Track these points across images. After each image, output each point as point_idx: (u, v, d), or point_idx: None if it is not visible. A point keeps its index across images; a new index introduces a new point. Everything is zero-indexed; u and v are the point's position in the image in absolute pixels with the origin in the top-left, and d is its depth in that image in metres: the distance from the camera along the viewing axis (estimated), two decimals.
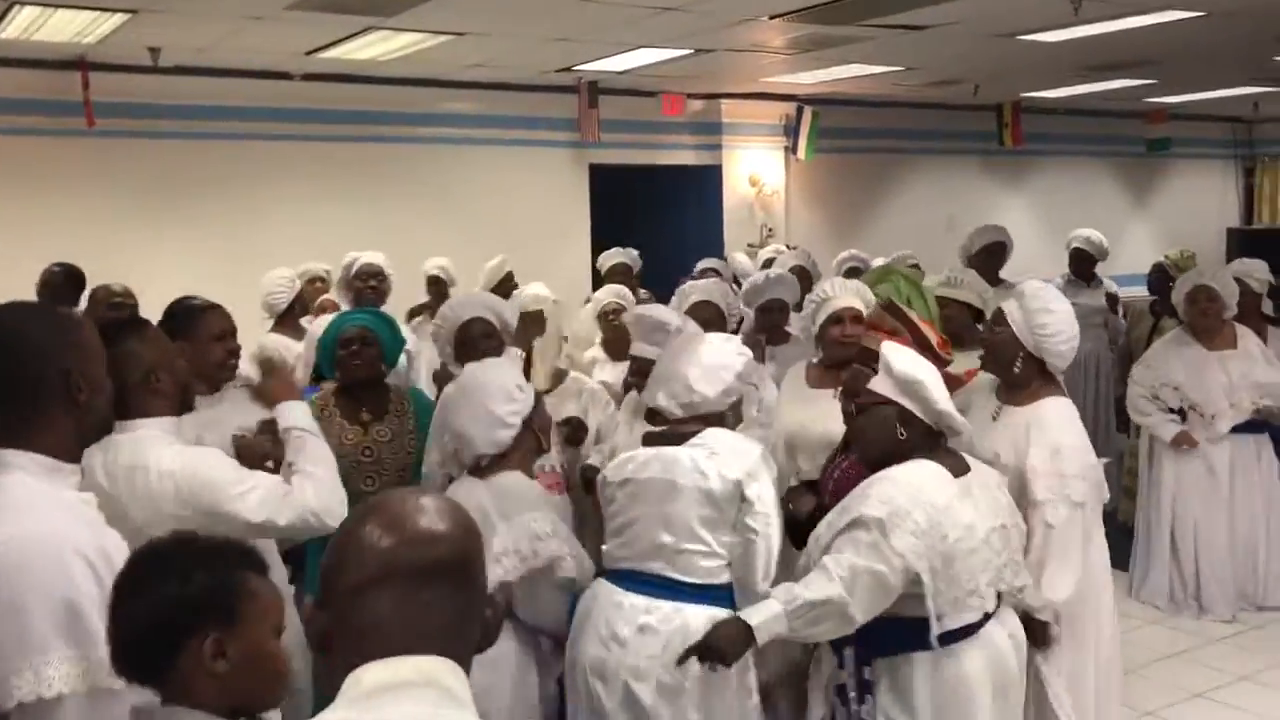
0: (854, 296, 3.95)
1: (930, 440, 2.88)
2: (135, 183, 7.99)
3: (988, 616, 2.86)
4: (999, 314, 3.61)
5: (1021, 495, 3.34)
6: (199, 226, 8.14)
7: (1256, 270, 6.13)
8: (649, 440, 3.10)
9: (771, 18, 6.76)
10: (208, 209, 8.18)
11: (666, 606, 2.87)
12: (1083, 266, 7.52)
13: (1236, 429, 5.39)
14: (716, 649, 2.67)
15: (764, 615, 2.69)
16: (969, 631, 2.82)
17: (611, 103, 9.55)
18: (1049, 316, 3.49)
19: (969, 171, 12.17)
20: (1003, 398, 3.63)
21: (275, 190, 8.45)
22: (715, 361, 3.10)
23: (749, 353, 3.22)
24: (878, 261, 6.82)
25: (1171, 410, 5.49)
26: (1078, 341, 3.58)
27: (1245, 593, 5.50)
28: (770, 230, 10.65)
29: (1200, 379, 5.39)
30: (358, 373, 3.91)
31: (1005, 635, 2.92)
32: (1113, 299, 7.55)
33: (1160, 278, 6.89)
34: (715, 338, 3.29)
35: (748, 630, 2.66)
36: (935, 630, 2.74)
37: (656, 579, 2.92)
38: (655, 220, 10.59)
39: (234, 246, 7.99)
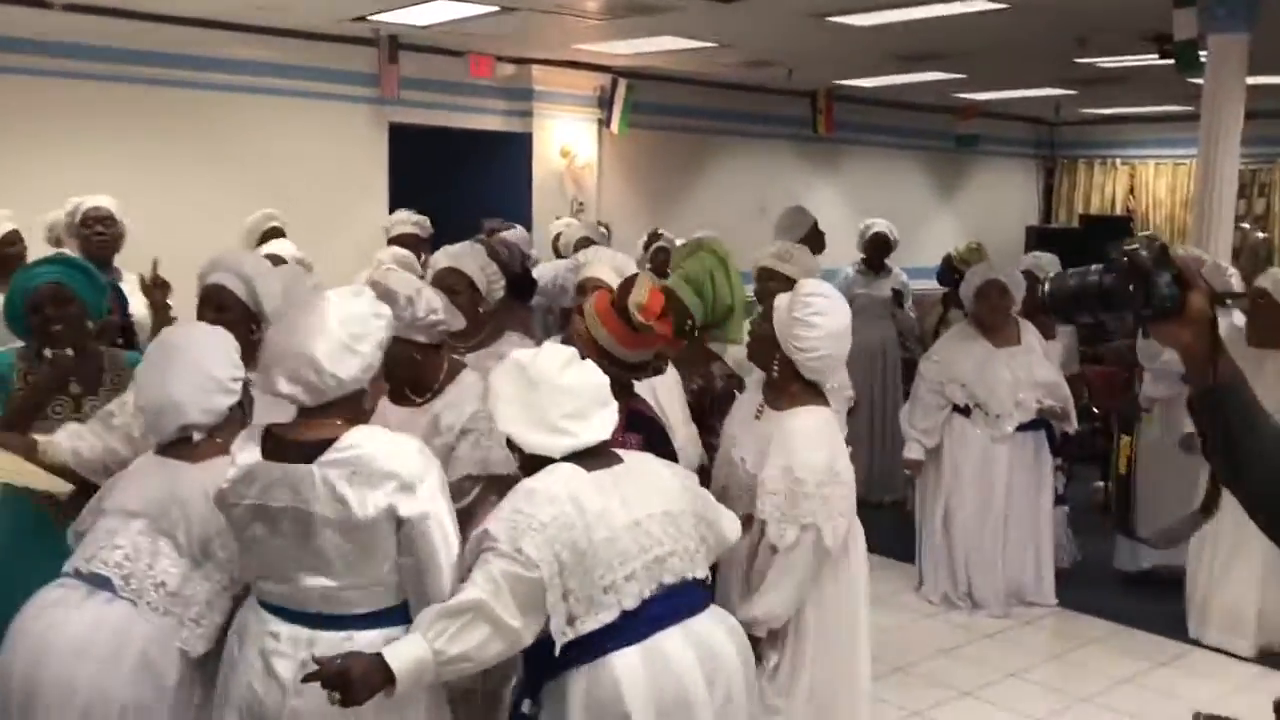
0: (606, 268, 3.68)
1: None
2: None
3: (655, 623, 2.47)
4: (770, 304, 3.37)
5: (754, 505, 3.18)
6: None
7: (1047, 263, 6.17)
8: (269, 452, 2.48)
9: None
10: None
11: (334, 636, 2.42)
12: (877, 254, 7.49)
13: (1021, 428, 5.36)
14: (344, 682, 2.21)
15: (403, 648, 2.28)
16: (616, 633, 2.44)
17: (415, 60, 9.05)
18: (807, 329, 3.21)
19: (782, 156, 12.13)
20: (766, 396, 3.39)
21: (29, 131, 7.63)
22: (349, 330, 2.47)
23: (386, 312, 2.60)
24: (680, 242, 6.60)
25: (957, 407, 5.43)
26: (837, 359, 3.33)
27: (1016, 589, 5.49)
28: (581, 204, 10.33)
29: (985, 376, 5.34)
30: (60, 340, 3.32)
31: (687, 644, 2.50)
32: (899, 292, 7.50)
33: (947, 270, 6.89)
34: (341, 294, 2.56)
35: (385, 669, 2.24)
36: (564, 635, 2.38)
37: (317, 616, 2.46)
38: (459, 186, 10.12)
39: None
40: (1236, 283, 5.87)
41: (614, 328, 3.02)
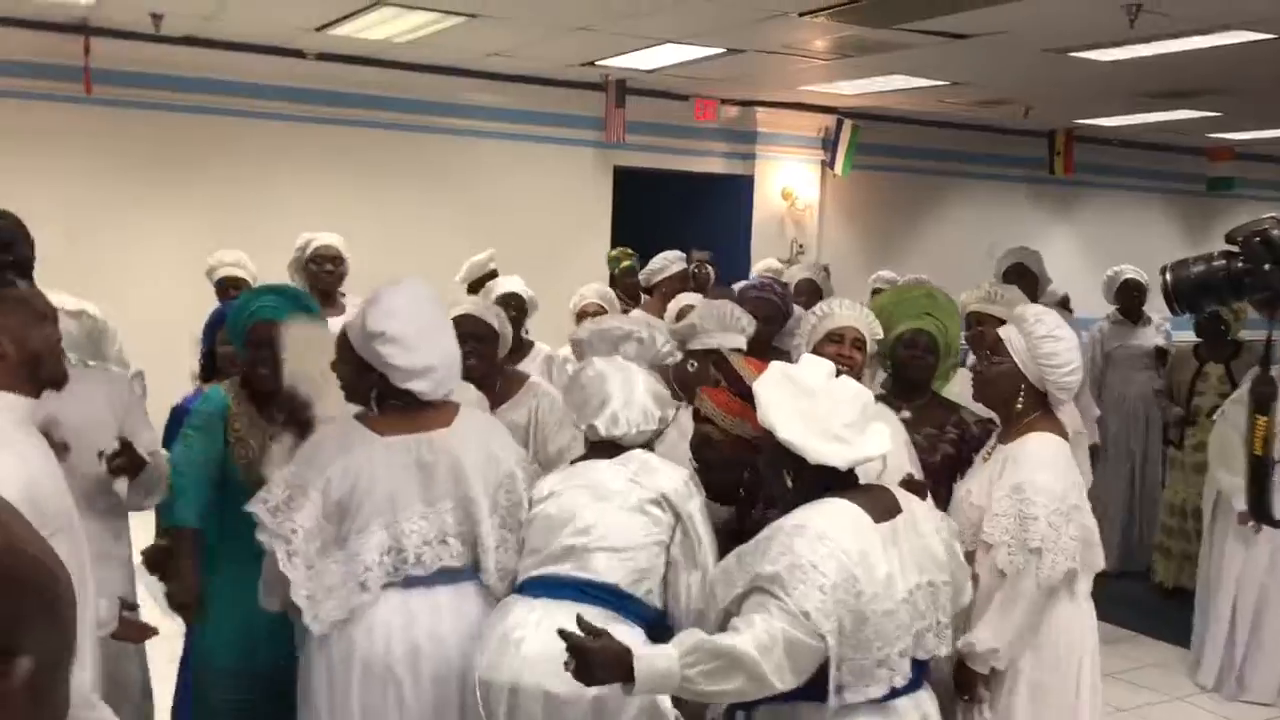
0: (859, 319, 3.51)
1: (833, 477, 2.35)
2: (131, 153, 7.69)
3: (896, 692, 2.32)
4: (996, 342, 3.14)
5: (977, 536, 2.98)
6: (193, 203, 7.83)
7: None
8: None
9: (801, 14, 6.31)
10: (204, 185, 7.88)
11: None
12: (1131, 302, 6.94)
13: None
14: (586, 660, 2.20)
15: (656, 660, 2.20)
16: (872, 704, 2.30)
17: (640, 104, 9.14)
18: (1055, 344, 3.03)
19: (1015, 199, 11.63)
20: (1001, 437, 3.16)
21: (277, 172, 8.11)
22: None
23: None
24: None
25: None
26: (1083, 372, 3.14)
27: None
28: (801, 246, 10.18)
29: None
30: (266, 383, 3.24)
31: (917, 716, 2.38)
32: (1164, 350, 6.86)
33: (1211, 320, 6.32)
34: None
35: (628, 669, 2.17)
36: (834, 703, 2.24)
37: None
38: (680, 228, 10.13)
39: (228, 226, 7.62)
40: None
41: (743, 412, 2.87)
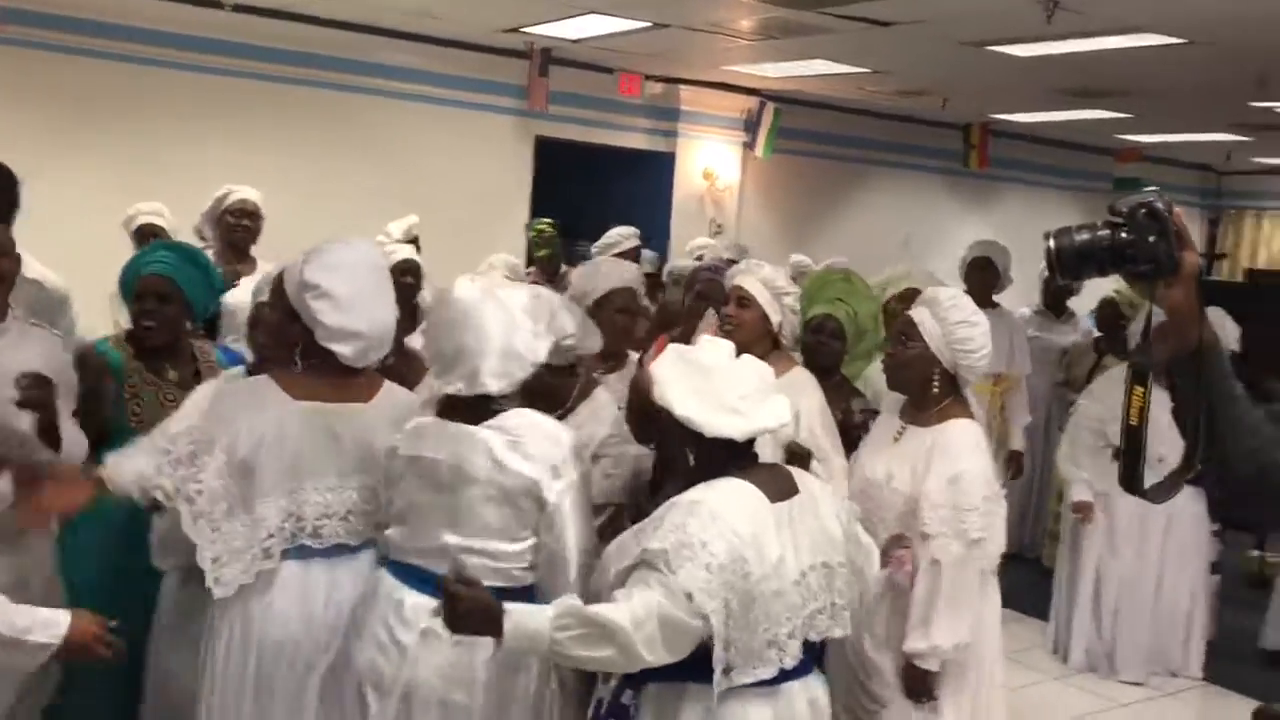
0: (751, 277, 3.54)
1: (735, 456, 2.35)
2: (41, 97, 7.40)
3: (785, 674, 2.33)
4: (909, 325, 3.19)
5: (911, 522, 3.04)
6: (104, 152, 7.57)
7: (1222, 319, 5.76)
8: (442, 412, 2.61)
9: None
10: (114, 136, 7.62)
11: None
12: (1055, 298, 7.09)
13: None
14: (456, 610, 2.18)
15: (527, 618, 2.18)
16: (760, 686, 2.31)
17: (565, 75, 9.07)
18: (970, 329, 3.13)
19: (931, 189, 11.81)
20: (907, 418, 3.22)
21: (191, 124, 7.88)
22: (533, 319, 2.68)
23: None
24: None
25: (1114, 448, 5.08)
26: (991, 355, 3.21)
27: (1161, 657, 5.11)
28: (720, 226, 10.21)
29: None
30: (150, 336, 3.29)
31: (805, 700, 2.39)
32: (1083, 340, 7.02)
33: (1111, 313, 6.50)
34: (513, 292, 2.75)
35: (498, 625, 2.16)
36: (719, 685, 2.23)
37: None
38: (600, 202, 10.11)
39: (138, 177, 7.39)
40: None
41: None
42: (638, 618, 2.16)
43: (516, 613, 2.17)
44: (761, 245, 9.64)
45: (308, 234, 5.21)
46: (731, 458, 2.35)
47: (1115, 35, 6.64)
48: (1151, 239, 1.61)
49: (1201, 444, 1.71)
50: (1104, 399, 5.16)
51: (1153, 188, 1.72)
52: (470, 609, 2.17)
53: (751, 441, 2.37)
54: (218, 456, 2.57)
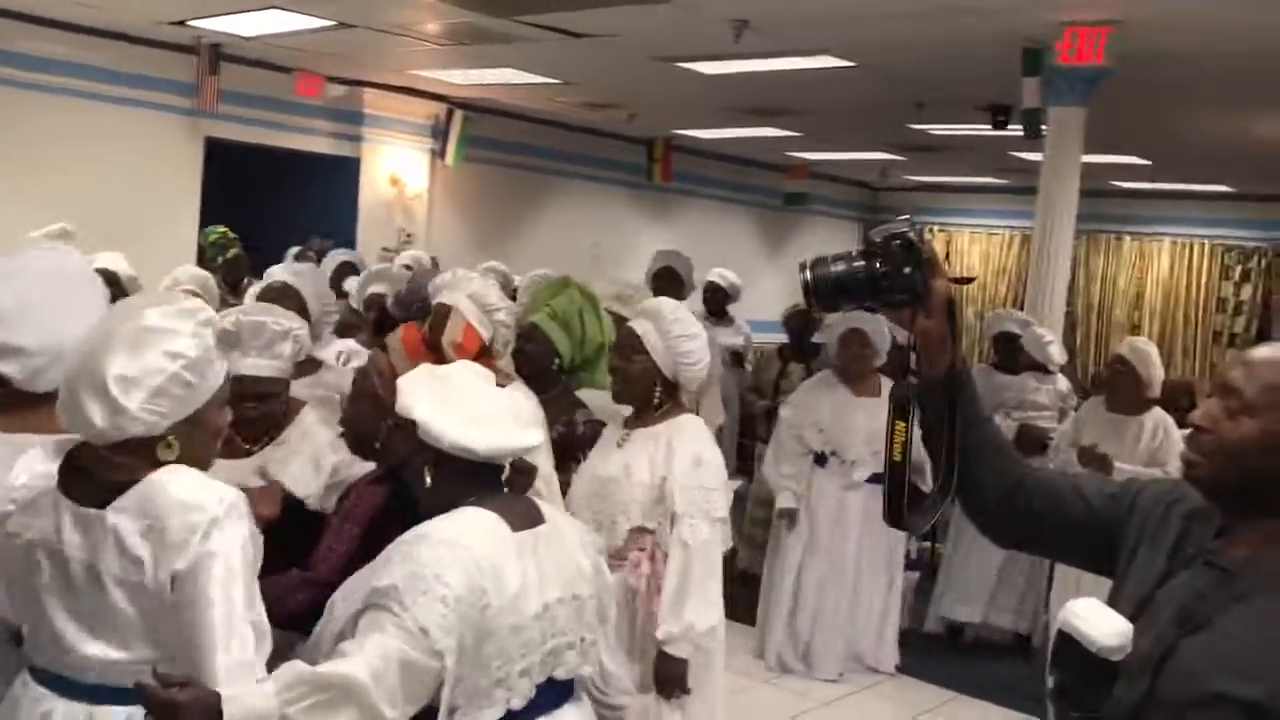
0: (463, 297, 3.40)
1: (479, 482, 2.17)
2: None
3: (514, 715, 2.11)
4: (632, 338, 3.19)
5: (655, 509, 3.09)
6: None
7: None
8: (64, 479, 1.93)
9: None
10: None
11: (118, 712, 1.93)
12: (716, 303, 7.37)
13: (872, 479, 5.21)
14: (171, 713, 1.78)
15: (248, 698, 1.85)
16: None
17: (237, 72, 8.51)
18: (691, 342, 3.23)
19: (616, 201, 12.02)
20: (630, 425, 3.23)
21: None
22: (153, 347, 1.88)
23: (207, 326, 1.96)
24: (519, 279, 6.29)
25: (814, 452, 5.27)
26: (709, 364, 3.36)
27: (856, 652, 5.34)
28: (409, 235, 9.92)
29: (842, 421, 5.21)
30: None
31: None
32: (737, 353, 7.31)
33: (799, 323, 6.78)
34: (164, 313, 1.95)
35: (218, 714, 1.79)
36: None
37: (98, 689, 1.95)
38: (280, 206, 9.57)
39: None
40: (1057, 351, 5.96)
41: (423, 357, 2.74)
42: (376, 669, 1.92)
43: (235, 698, 1.83)
44: (453, 254, 9.44)
45: None
46: (472, 482, 2.17)
47: (794, 56, 6.95)
48: (907, 270, 1.61)
49: (956, 468, 1.71)
50: (801, 404, 5.35)
51: (904, 216, 1.72)
52: (183, 709, 1.78)
53: (496, 467, 2.20)
54: None
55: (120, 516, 1.87)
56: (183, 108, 8.49)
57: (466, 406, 2.15)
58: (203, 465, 1.97)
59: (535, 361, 3.72)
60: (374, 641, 1.95)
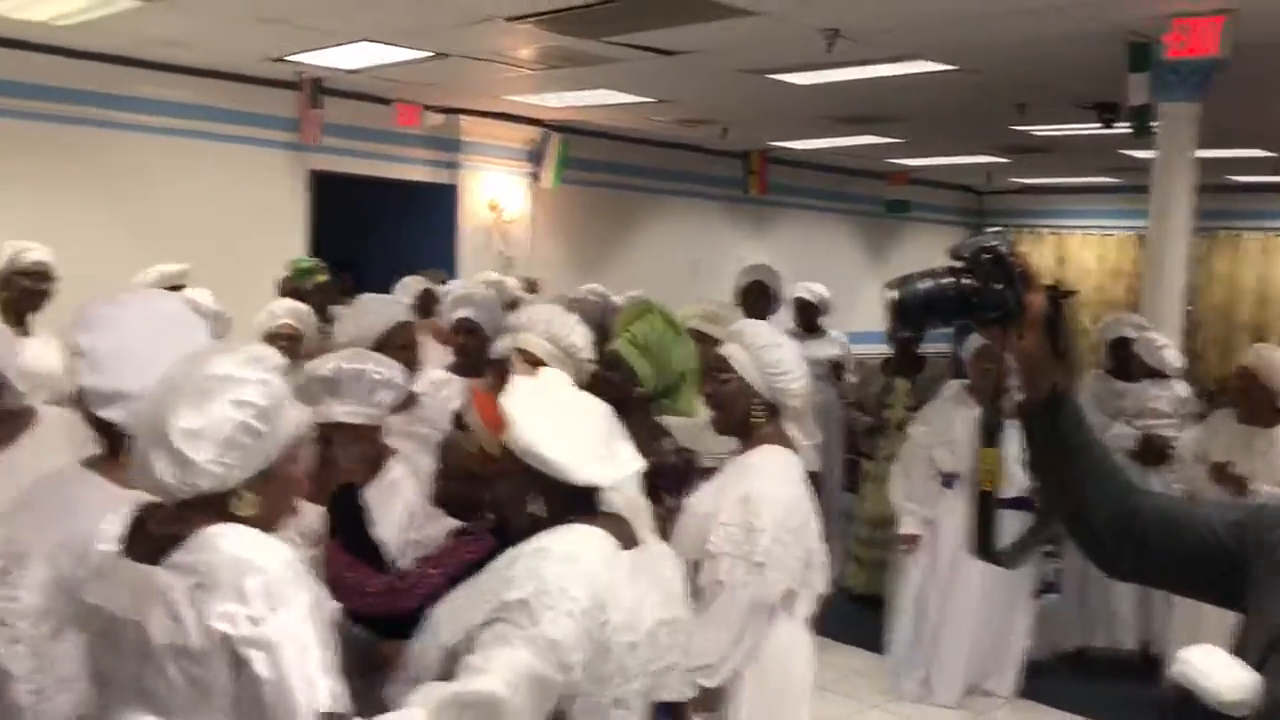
0: (540, 340, 3.38)
1: (581, 504, 2.14)
2: None
3: None
4: (719, 360, 3.06)
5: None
6: None
7: None
8: (131, 537, 1.82)
9: (509, 19, 6.13)
10: None
11: None
12: (805, 317, 7.20)
13: (1001, 503, 5.01)
14: None
15: (400, 714, 1.84)
16: None
17: (339, 106, 8.67)
18: (778, 352, 3.00)
19: (713, 216, 11.96)
20: (735, 452, 3.10)
21: None
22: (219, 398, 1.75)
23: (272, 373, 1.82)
24: (618, 298, 6.26)
25: (943, 474, 5.10)
26: (808, 379, 3.09)
27: (976, 678, 5.15)
28: (510, 259, 9.99)
29: (975, 442, 5.03)
30: None
31: None
32: (837, 364, 7.10)
33: (910, 337, 6.60)
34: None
35: None
36: None
37: None
38: (382, 236, 9.74)
39: None
40: (1173, 355, 5.71)
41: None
42: (512, 684, 1.89)
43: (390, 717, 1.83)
44: (554, 277, 9.50)
45: (64, 286, 4.74)
46: (577, 502, 2.13)
47: (889, 63, 6.81)
48: (998, 285, 1.51)
49: (1060, 498, 1.60)
50: (934, 424, 5.17)
51: (994, 229, 1.63)
52: None
53: (596, 488, 2.16)
54: (36, 569, 2.01)
55: (170, 573, 1.72)
56: (287, 142, 8.69)
57: (587, 436, 2.13)
58: (278, 519, 1.88)
59: (618, 389, 3.63)
60: (504, 656, 1.92)
